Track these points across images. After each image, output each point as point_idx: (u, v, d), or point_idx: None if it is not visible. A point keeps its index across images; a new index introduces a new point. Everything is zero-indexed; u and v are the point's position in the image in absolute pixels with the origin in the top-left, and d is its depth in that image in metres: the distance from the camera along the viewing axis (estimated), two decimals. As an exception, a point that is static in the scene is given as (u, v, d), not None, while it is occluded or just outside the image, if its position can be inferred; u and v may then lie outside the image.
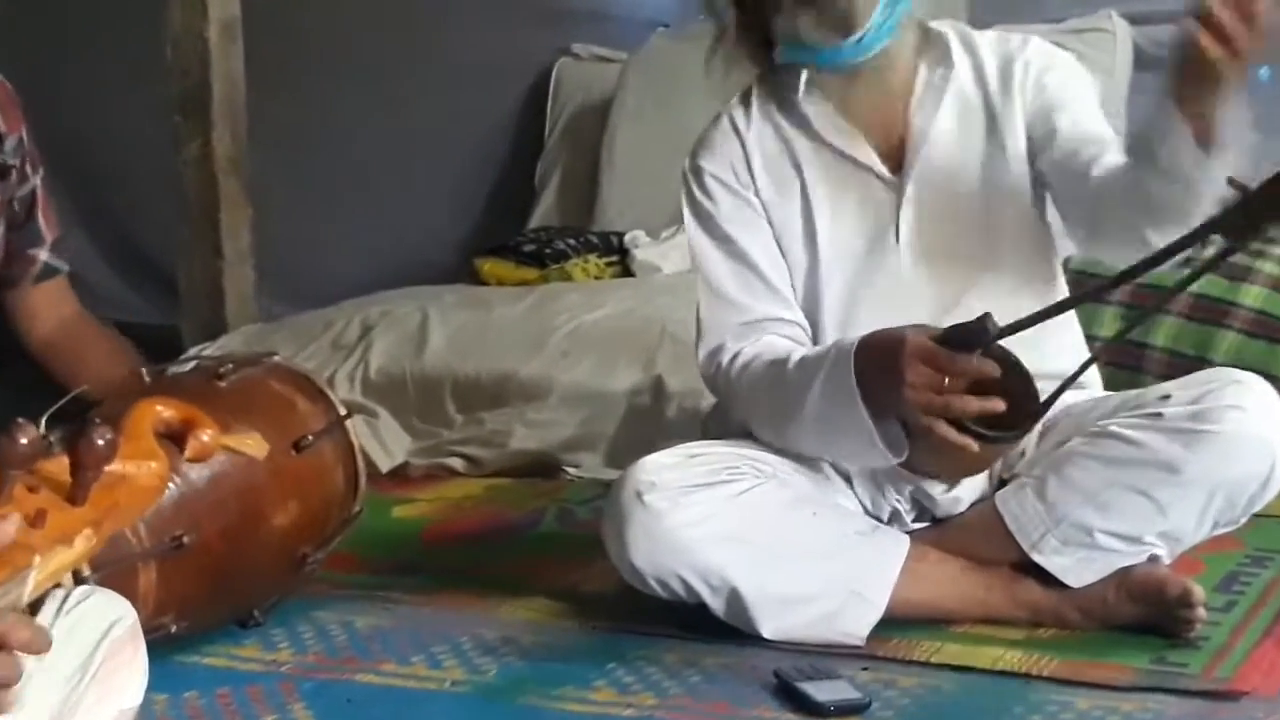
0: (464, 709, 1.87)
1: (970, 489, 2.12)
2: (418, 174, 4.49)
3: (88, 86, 4.60)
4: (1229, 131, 1.82)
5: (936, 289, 2.08)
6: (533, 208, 4.28)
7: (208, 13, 3.68)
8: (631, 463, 2.03)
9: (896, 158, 2.12)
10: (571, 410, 3.09)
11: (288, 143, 4.31)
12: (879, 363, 1.89)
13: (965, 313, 1.91)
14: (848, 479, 2.11)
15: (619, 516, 1.97)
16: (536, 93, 4.43)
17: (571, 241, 3.81)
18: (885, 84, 2.12)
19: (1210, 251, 1.88)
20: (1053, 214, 2.14)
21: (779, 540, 1.97)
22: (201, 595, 1.96)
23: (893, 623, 2.00)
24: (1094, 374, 2.16)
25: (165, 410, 1.74)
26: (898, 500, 2.12)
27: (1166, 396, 1.99)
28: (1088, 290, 1.87)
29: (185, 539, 1.90)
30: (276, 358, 2.29)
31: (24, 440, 1.25)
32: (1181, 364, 2.87)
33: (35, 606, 1.31)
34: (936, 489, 2.11)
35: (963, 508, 2.12)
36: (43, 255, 2.27)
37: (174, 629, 1.93)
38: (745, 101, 2.19)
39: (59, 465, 1.35)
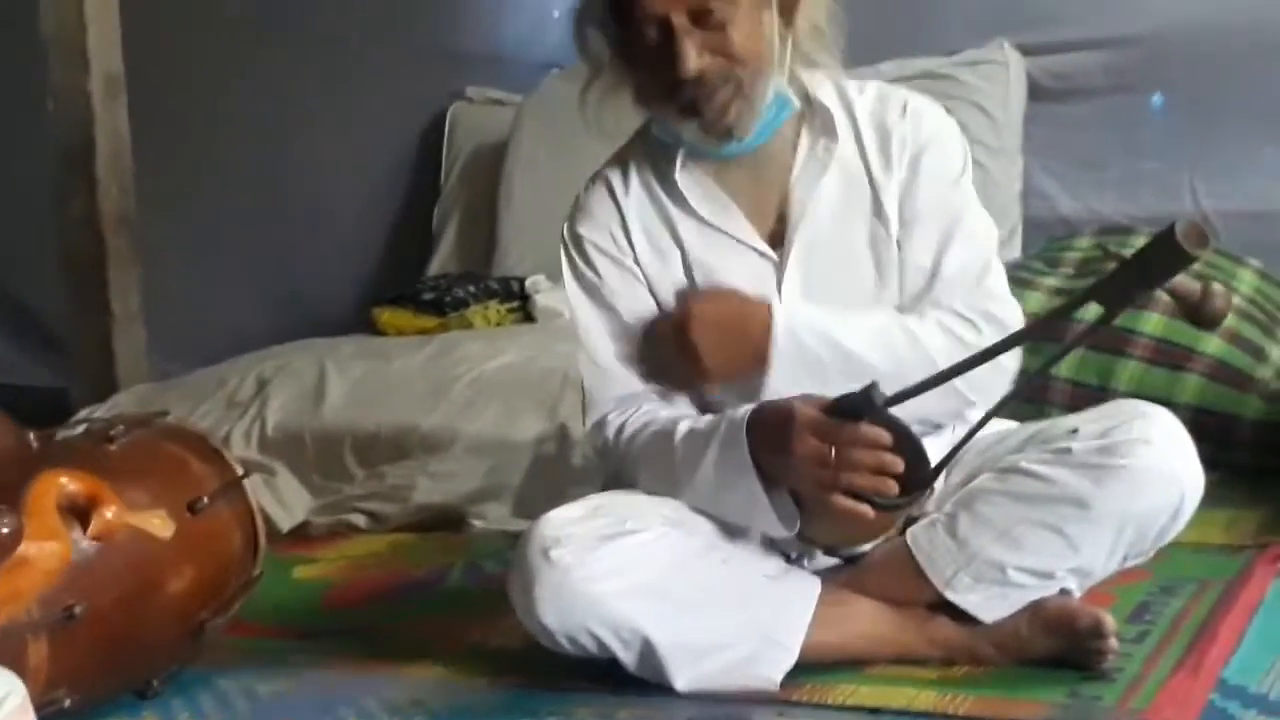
0: (372, 774, 1.85)
1: (881, 527, 2.13)
2: (311, 224, 4.47)
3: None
4: None
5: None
6: (431, 254, 4.27)
7: (89, 67, 3.65)
8: (539, 512, 2.01)
9: (778, 231, 2.11)
10: (476, 461, 3.07)
11: (176, 197, 4.27)
12: (769, 437, 1.90)
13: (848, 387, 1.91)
14: (755, 522, 2.12)
15: (525, 574, 1.96)
16: (431, 137, 4.44)
17: (471, 288, 3.81)
18: (765, 160, 2.11)
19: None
20: None
21: (689, 589, 1.96)
22: (96, 667, 1.92)
23: (807, 666, 1.99)
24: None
25: (70, 484, 1.71)
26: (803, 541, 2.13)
27: (1074, 430, 2.01)
28: (969, 359, 1.90)
29: (77, 609, 1.85)
30: (169, 418, 2.26)
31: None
32: (1085, 394, 2.92)
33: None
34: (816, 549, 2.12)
35: (873, 545, 2.13)
36: None
37: (68, 703, 1.88)
38: (622, 165, 2.18)
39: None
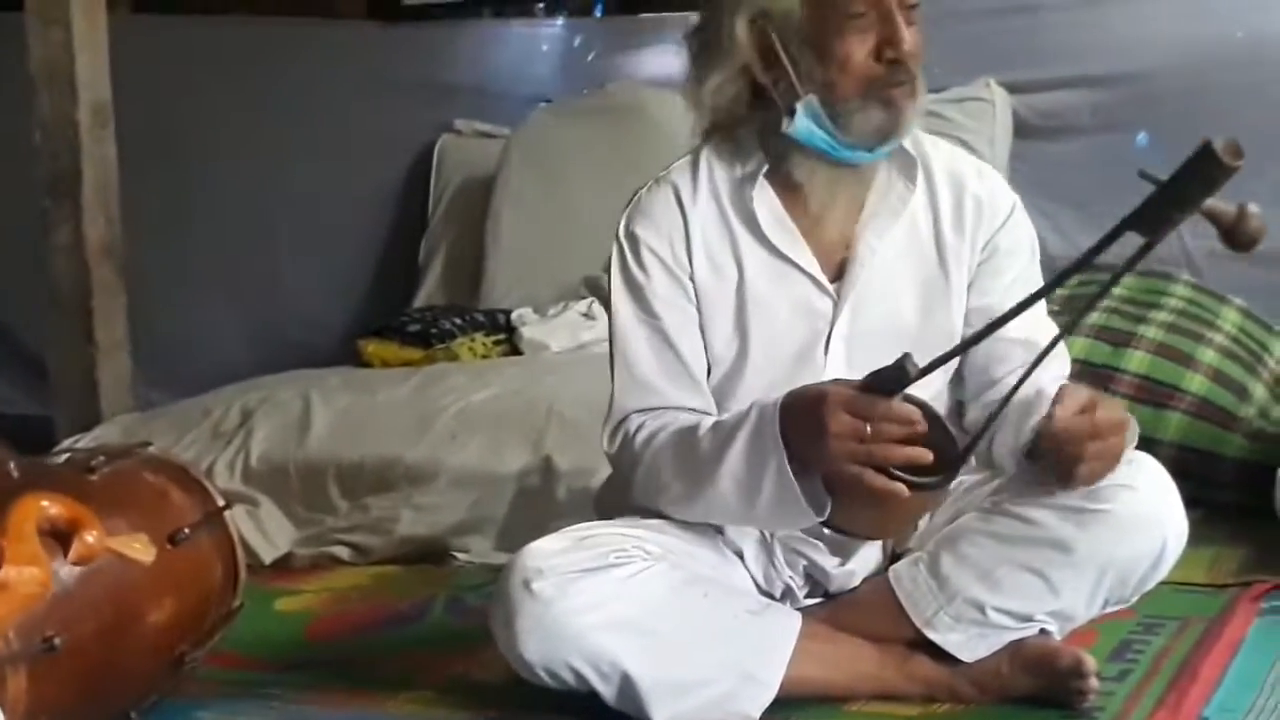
0: (351, 808, 1.85)
1: (863, 564, 2.13)
2: (298, 255, 4.47)
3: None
4: None
5: None
6: (417, 287, 4.27)
7: (78, 96, 3.65)
8: (523, 545, 2.01)
9: (839, 268, 2.10)
10: (460, 494, 3.07)
11: (163, 227, 4.27)
12: (802, 418, 1.88)
13: None
14: (739, 555, 2.12)
15: (507, 606, 1.96)
16: (419, 170, 4.44)
17: (457, 320, 3.81)
18: (848, 191, 2.09)
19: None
20: None
21: (670, 624, 1.96)
22: (75, 699, 1.91)
23: (787, 702, 2.00)
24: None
25: (51, 508, 1.71)
26: (791, 576, 2.13)
27: None
28: (1007, 312, 1.89)
29: (57, 640, 1.84)
30: (151, 448, 2.26)
31: None
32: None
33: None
34: (830, 563, 2.11)
35: (856, 582, 2.13)
36: None
37: (46, 735, 1.88)
38: (694, 172, 2.13)
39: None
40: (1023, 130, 3.87)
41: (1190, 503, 2.02)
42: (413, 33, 4.53)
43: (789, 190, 2.10)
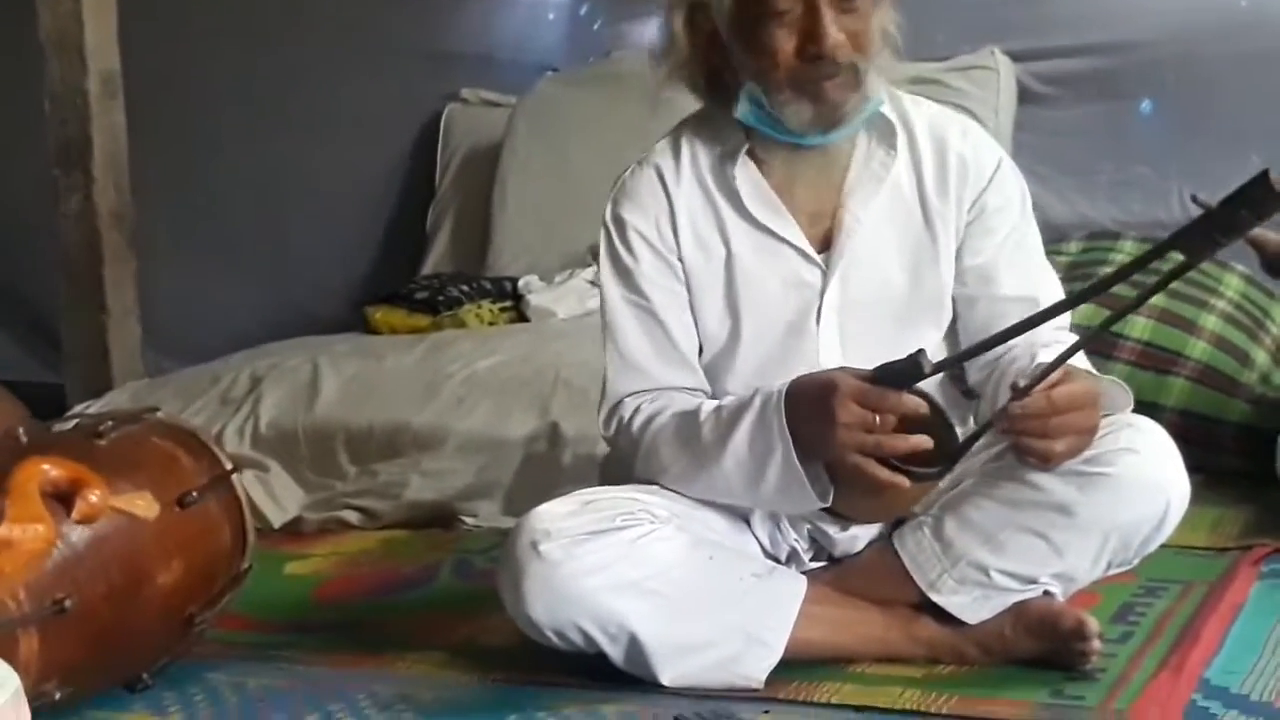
0: (360, 768, 1.85)
1: (867, 528, 2.12)
2: (307, 223, 4.47)
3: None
4: None
5: None
6: (425, 254, 4.27)
7: (87, 66, 3.64)
8: (528, 509, 2.01)
9: (825, 238, 2.09)
10: (467, 459, 3.07)
11: (173, 195, 4.27)
12: (810, 405, 1.89)
13: None
14: (745, 519, 2.11)
15: (514, 568, 1.95)
16: (426, 138, 4.43)
17: (465, 287, 3.80)
18: (827, 162, 2.09)
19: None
20: None
21: (676, 586, 1.96)
22: (86, 660, 1.91)
23: (793, 664, 1.99)
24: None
25: (53, 469, 1.71)
26: (795, 540, 2.13)
27: None
28: (1034, 316, 1.88)
29: (67, 603, 1.85)
30: (159, 413, 2.25)
31: None
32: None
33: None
34: (834, 528, 2.11)
35: (860, 546, 2.13)
36: None
37: (58, 696, 1.88)
38: (675, 152, 2.13)
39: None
40: (1026, 97, 3.86)
41: (1192, 467, 2.01)
42: (420, 1, 4.51)
43: (775, 163, 2.10)
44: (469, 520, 3.00)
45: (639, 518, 1.99)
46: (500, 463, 3.04)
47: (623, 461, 2.14)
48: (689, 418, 2.02)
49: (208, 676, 2.14)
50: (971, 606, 2.01)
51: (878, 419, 1.84)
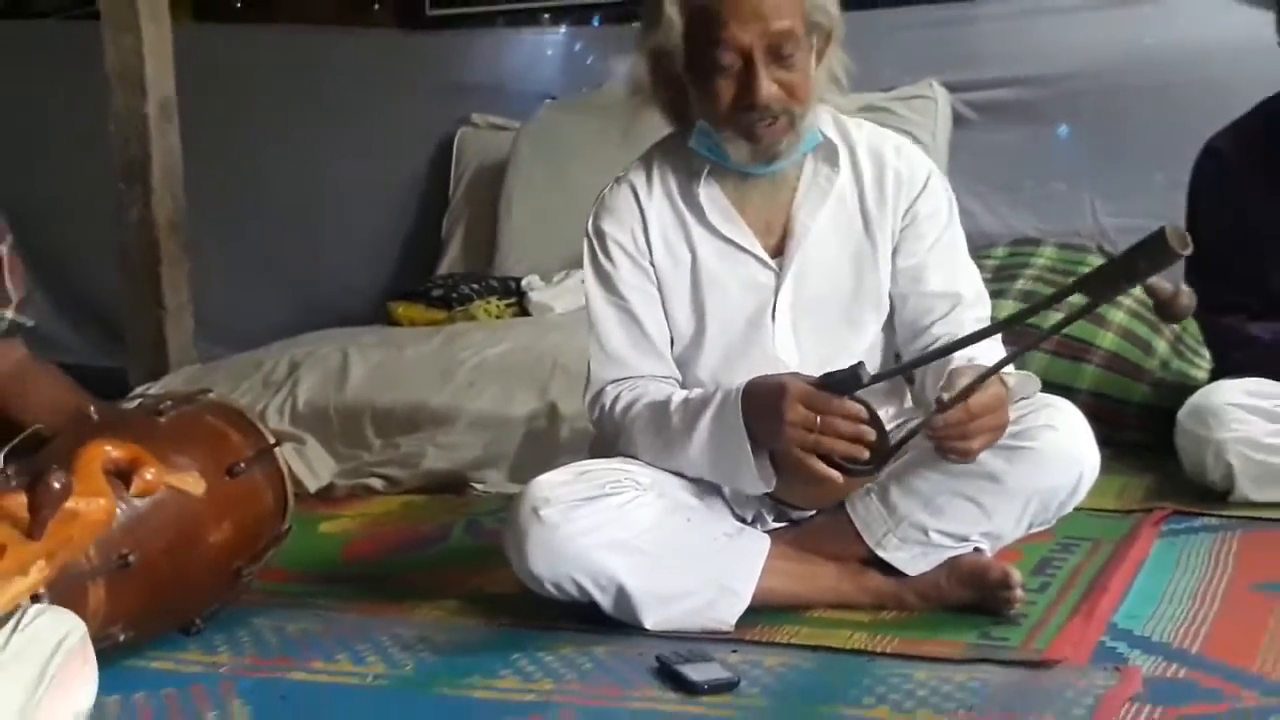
0: (385, 700, 1.84)
1: (823, 494, 2.13)
2: (337, 231, 4.46)
3: (43, 160, 4.53)
4: None
5: (801, 365, 2.05)
6: (440, 257, 4.26)
7: (146, 94, 3.64)
8: (531, 478, 2.01)
9: (778, 245, 2.10)
10: (477, 434, 3.07)
11: (222, 206, 4.26)
12: (762, 404, 1.90)
13: None
14: (717, 487, 2.12)
15: (518, 530, 1.96)
16: (441, 157, 4.42)
17: (475, 286, 3.80)
18: (778, 182, 2.10)
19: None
20: None
21: (658, 544, 1.96)
22: (146, 607, 1.91)
23: (758, 610, 2.00)
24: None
25: (114, 450, 1.71)
26: (761, 505, 2.13)
27: None
28: (951, 343, 1.89)
29: (131, 558, 1.85)
30: (211, 394, 2.25)
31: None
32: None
33: (-5, 625, 1.29)
34: (772, 513, 2.12)
35: (815, 510, 2.13)
36: (8, 314, 2.23)
37: (122, 638, 1.88)
38: (646, 171, 2.14)
39: (17, 502, 1.32)
40: (960, 123, 3.87)
41: (1102, 441, 2.02)
42: (436, 39, 4.50)
43: (731, 183, 2.10)
44: (478, 487, 3.00)
45: (626, 486, 1.99)
46: (506, 437, 3.04)
47: (607, 441, 2.15)
48: (660, 407, 2.03)
49: (252, 621, 2.14)
50: (912, 561, 2.02)
51: (819, 420, 1.85)
